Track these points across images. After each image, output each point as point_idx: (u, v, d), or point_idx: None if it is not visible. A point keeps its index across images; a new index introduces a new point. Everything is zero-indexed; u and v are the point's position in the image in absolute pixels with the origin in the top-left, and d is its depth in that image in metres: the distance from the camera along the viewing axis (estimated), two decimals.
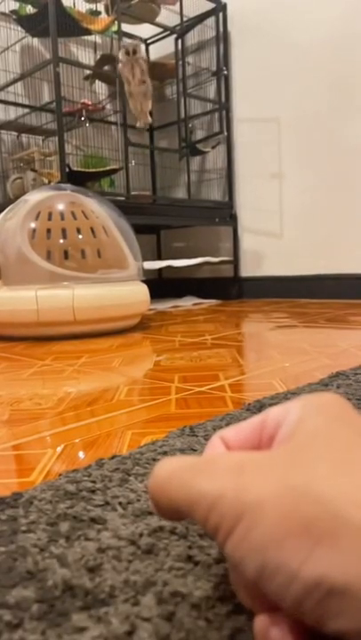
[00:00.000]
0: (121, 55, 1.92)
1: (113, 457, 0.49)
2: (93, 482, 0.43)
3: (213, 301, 2.49)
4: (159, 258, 2.88)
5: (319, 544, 0.19)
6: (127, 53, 1.92)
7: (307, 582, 0.18)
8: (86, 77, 2.43)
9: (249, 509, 0.20)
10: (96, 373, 0.95)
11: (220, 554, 0.31)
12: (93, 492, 0.42)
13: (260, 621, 0.22)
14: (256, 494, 0.21)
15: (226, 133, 2.49)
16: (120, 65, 1.91)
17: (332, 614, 0.18)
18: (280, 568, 0.19)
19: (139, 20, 2.42)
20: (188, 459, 0.25)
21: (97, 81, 2.52)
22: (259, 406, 0.64)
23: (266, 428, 0.27)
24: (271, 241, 2.45)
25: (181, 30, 2.43)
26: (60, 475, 0.46)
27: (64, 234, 1.44)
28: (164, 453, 0.49)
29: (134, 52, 1.91)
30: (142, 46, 1.94)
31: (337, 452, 0.22)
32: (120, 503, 0.39)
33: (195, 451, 0.50)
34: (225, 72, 2.47)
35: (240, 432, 0.28)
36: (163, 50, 2.69)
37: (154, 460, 0.48)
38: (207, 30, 2.51)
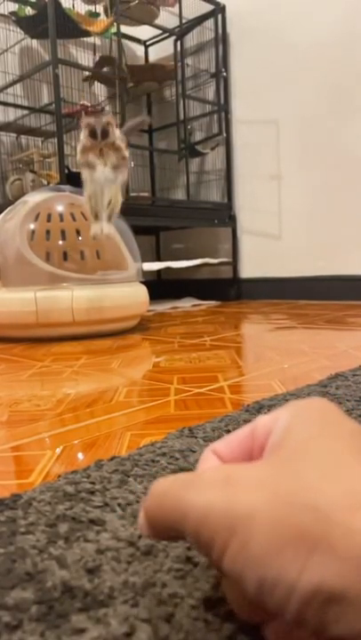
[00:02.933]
0: (83, 136, 1.23)
1: (112, 458, 0.49)
2: (92, 483, 0.43)
3: (212, 303, 2.50)
4: (158, 259, 2.88)
5: (314, 552, 0.18)
6: (93, 136, 1.21)
7: (305, 592, 0.18)
8: (85, 79, 2.44)
9: (241, 522, 0.20)
10: (95, 375, 0.95)
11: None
12: (92, 493, 0.42)
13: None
14: (246, 505, 0.20)
15: (225, 135, 2.49)
16: (82, 145, 1.24)
17: (332, 620, 0.18)
18: (278, 581, 0.19)
19: (138, 21, 2.42)
20: (181, 476, 0.25)
21: (96, 82, 2.52)
22: (258, 407, 0.64)
23: (256, 438, 0.27)
24: (270, 242, 2.45)
25: (180, 32, 2.44)
26: (59, 476, 0.46)
27: (63, 235, 1.44)
28: (163, 455, 0.49)
29: (104, 134, 1.20)
30: (114, 122, 1.24)
31: (325, 459, 0.22)
32: (119, 504, 0.39)
33: (194, 452, 0.50)
34: (224, 74, 2.47)
35: (230, 443, 0.28)
36: (162, 51, 2.70)
37: (153, 461, 0.48)
38: (206, 32, 2.52)
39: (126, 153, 1.24)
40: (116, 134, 1.21)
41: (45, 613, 0.27)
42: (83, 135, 1.21)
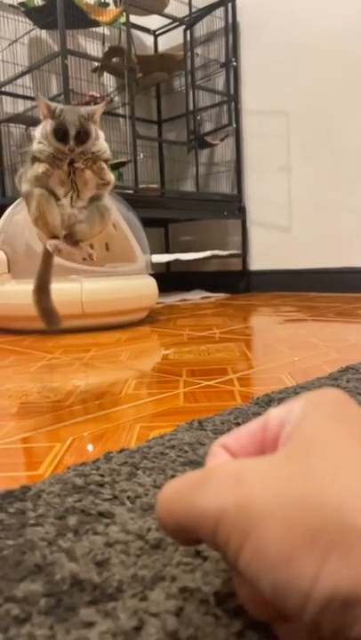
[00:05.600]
0: (41, 137, 0.68)
1: (121, 450, 0.49)
2: (102, 475, 0.43)
3: (221, 295, 2.49)
4: (167, 251, 2.87)
5: (328, 556, 0.18)
6: (61, 138, 0.67)
7: (321, 598, 0.18)
8: (94, 69, 2.42)
9: (254, 525, 0.20)
10: (104, 367, 0.95)
11: None
12: (102, 485, 0.42)
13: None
14: (259, 506, 0.20)
15: (235, 125, 2.47)
16: (42, 167, 0.68)
17: (349, 624, 0.18)
18: (293, 586, 0.18)
19: (147, 11, 2.40)
20: (189, 475, 0.24)
21: (105, 73, 2.51)
22: (267, 400, 0.64)
23: (269, 430, 0.26)
24: (280, 234, 2.43)
25: (190, 21, 2.41)
26: (68, 468, 0.46)
27: None
28: (173, 447, 0.49)
29: (82, 136, 0.67)
30: (100, 112, 0.70)
31: (338, 454, 0.21)
32: (128, 497, 0.39)
33: (203, 445, 0.50)
34: (234, 63, 2.44)
35: (241, 437, 0.27)
36: (171, 41, 2.67)
37: (162, 453, 0.48)
38: (216, 21, 2.49)
39: (111, 175, 0.72)
40: (101, 139, 0.70)
41: (54, 606, 0.27)
42: (39, 136, 0.68)
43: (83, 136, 0.66)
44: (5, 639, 0.25)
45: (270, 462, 0.22)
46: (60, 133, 0.65)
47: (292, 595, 0.19)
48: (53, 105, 0.66)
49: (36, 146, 0.68)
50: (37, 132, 0.69)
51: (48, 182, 0.69)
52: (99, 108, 0.70)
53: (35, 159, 0.69)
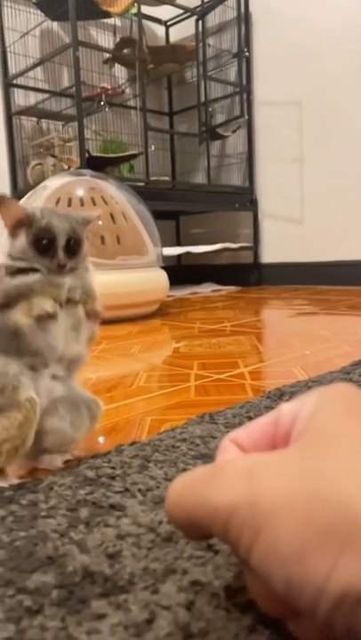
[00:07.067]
0: (11, 248, 0.45)
1: (132, 443, 0.49)
2: (113, 468, 0.43)
3: (232, 288, 2.48)
4: (178, 244, 2.86)
5: (341, 553, 0.18)
6: (42, 250, 0.44)
7: (335, 595, 0.18)
8: (105, 61, 2.41)
9: (266, 521, 0.20)
10: (115, 359, 0.95)
11: None
12: (113, 478, 0.42)
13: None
14: (271, 503, 0.20)
15: (247, 117, 2.45)
16: (48, 305, 0.43)
17: None
18: (306, 582, 0.18)
19: (159, 1, 2.38)
20: (200, 470, 0.24)
21: (116, 64, 2.49)
22: (279, 394, 0.64)
23: (280, 425, 0.26)
24: (292, 227, 2.41)
25: (202, 11, 2.39)
26: (79, 460, 0.46)
27: None
28: (184, 440, 0.49)
29: (73, 247, 0.46)
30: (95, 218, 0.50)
31: (351, 449, 0.21)
32: (139, 490, 0.39)
33: (214, 438, 0.49)
34: (246, 54, 2.42)
35: (252, 432, 0.27)
36: (183, 31, 2.65)
37: (173, 446, 0.48)
38: (228, 11, 2.46)
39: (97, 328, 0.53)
40: (91, 271, 0.51)
41: (66, 598, 0.27)
42: (6, 256, 0.46)
43: (74, 246, 0.46)
44: (18, 630, 0.25)
45: (282, 458, 0.22)
46: (44, 244, 0.44)
47: (305, 591, 0.18)
48: (30, 208, 0.46)
49: (9, 280, 0.44)
50: (1, 250, 0.46)
51: (47, 336, 0.44)
52: (93, 214, 0.50)
53: (15, 297, 0.43)
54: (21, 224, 0.45)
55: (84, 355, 0.49)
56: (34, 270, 0.44)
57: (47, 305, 0.43)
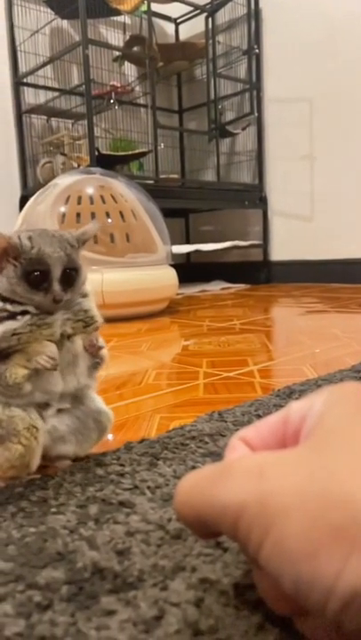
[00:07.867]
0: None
1: (142, 441, 0.49)
2: (122, 465, 0.44)
3: (242, 286, 2.47)
4: (188, 242, 2.86)
5: (352, 552, 0.18)
6: (33, 284, 0.40)
7: (344, 595, 0.18)
8: (115, 59, 2.41)
9: (276, 520, 0.20)
10: (124, 357, 0.95)
11: None
12: (122, 475, 0.42)
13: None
14: (281, 502, 0.20)
15: (256, 114, 2.44)
16: (49, 348, 0.41)
17: None
18: (315, 582, 0.18)
19: None
20: (208, 468, 0.24)
21: (126, 62, 2.49)
22: (288, 392, 0.64)
23: (290, 423, 0.26)
24: (302, 224, 2.40)
25: (212, 8, 2.38)
26: (89, 457, 0.46)
27: (93, 218, 1.44)
28: (193, 438, 0.49)
29: (69, 279, 0.42)
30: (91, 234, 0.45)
31: (360, 448, 0.21)
32: (149, 487, 0.39)
33: (223, 436, 0.49)
34: (256, 51, 2.41)
35: (261, 430, 0.27)
36: (193, 29, 2.64)
37: (182, 444, 0.48)
38: (238, 8, 2.45)
39: (106, 351, 0.50)
40: (90, 295, 0.48)
41: (76, 594, 0.27)
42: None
43: (71, 276, 0.42)
44: (28, 625, 0.25)
45: (292, 457, 0.22)
46: (36, 277, 0.40)
47: (315, 590, 0.18)
48: (15, 234, 0.40)
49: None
50: None
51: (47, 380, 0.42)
52: (91, 229, 0.44)
53: (5, 348, 0.40)
54: (6, 254, 0.40)
55: (86, 385, 0.47)
56: (22, 312, 0.40)
57: (42, 360, 0.40)
